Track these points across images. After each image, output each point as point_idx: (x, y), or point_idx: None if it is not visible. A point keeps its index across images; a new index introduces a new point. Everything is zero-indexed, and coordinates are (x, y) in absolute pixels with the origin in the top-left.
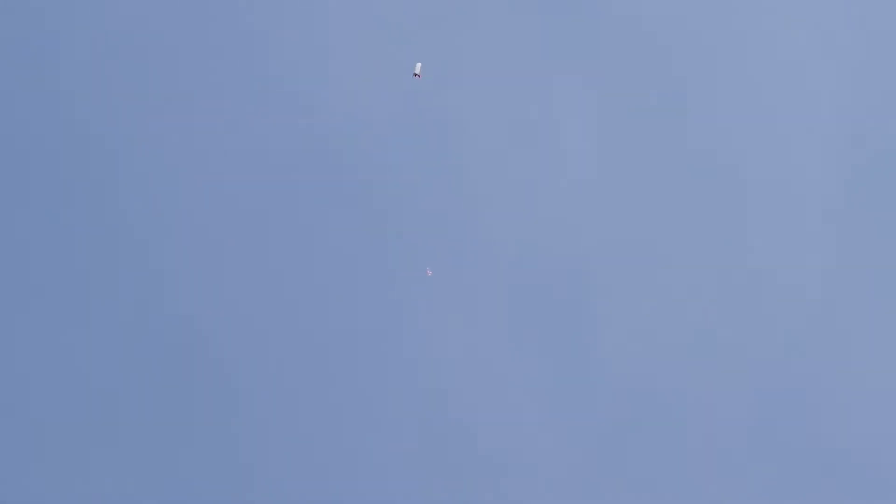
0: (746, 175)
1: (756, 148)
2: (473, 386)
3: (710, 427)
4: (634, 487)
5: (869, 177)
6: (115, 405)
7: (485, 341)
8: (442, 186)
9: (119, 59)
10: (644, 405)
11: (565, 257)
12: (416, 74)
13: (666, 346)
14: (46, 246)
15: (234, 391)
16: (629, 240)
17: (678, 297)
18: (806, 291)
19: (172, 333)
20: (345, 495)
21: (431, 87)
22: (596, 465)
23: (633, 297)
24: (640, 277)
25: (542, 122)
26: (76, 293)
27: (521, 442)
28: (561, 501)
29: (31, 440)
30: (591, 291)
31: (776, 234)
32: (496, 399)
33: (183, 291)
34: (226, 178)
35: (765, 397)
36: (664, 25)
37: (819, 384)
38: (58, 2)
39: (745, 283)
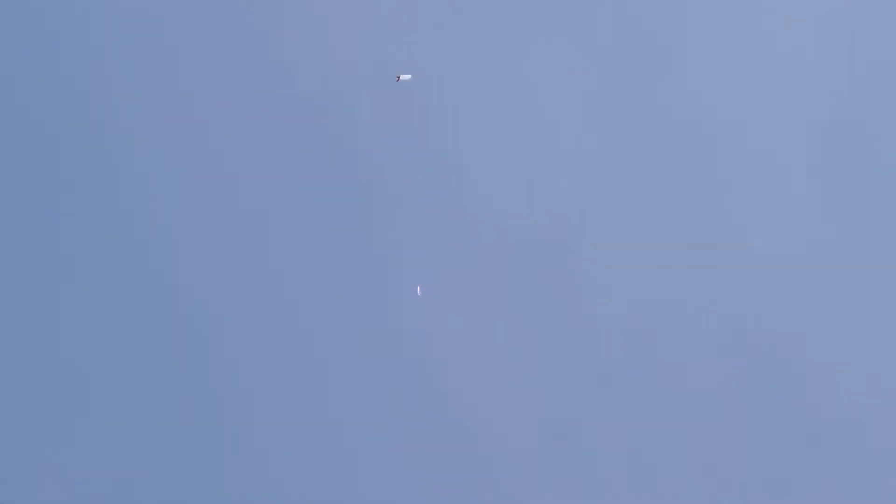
0: (728, 140)
1: (740, 113)
2: (460, 354)
3: (692, 389)
4: (619, 452)
5: (851, 142)
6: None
7: (471, 308)
8: (424, 157)
9: (112, 47)
10: (630, 368)
11: (549, 224)
12: (398, 77)
13: (652, 311)
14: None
15: (225, 369)
16: (613, 205)
17: (664, 264)
18: (788, 251)
19: (160, 312)
20: (332, 461)
21: (415, 58)
22: (581, 429)
23: (617, 262)
24: (625, 242)
25: (525, 88)
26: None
27: (508, 408)
28: (548, 467)
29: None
30: (576, 256)
31: (760, 195)
32: (483, 367)
33: (174, 272)
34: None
35: (754, 366)
36: None
37: (799, 343)
38: None
39: (730, 248)
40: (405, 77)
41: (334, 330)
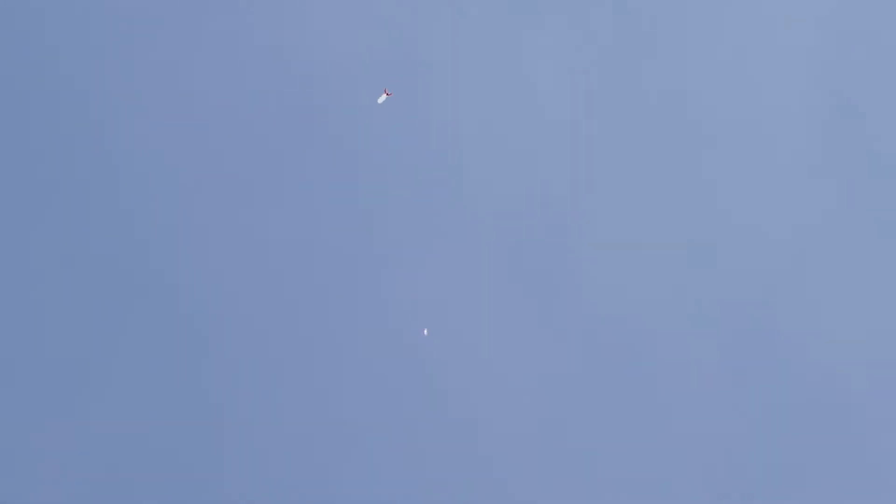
0: (720, 116)
1: (730, 90)
2: (453, 324)
3: (685, 363)
4: (611, 425)
5: (842, 118)
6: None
7: (465, 278)
8: (420, 127)
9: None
10: (621, 343)
11: (542, 195)
12: (386, 94)
13: (643, 284)
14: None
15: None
16: (606, 179)
17: (655, 238)
18: (779, 228)
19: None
20: (332, 433)
21: (409, 30)
22: (575, 401)
23: (610, 235)
24: (618, 216)
25: (516, 61)
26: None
27: (502, 380)
28: (542, 439)
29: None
30: (568, 228)
31: (750, 170)
32: (476, 336)
33: (167, 251)
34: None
35: (742, 339)
36: None
37: (790, 319)
38: None
39: (720, 224)
40: (381, 98)
41: (329, 317)
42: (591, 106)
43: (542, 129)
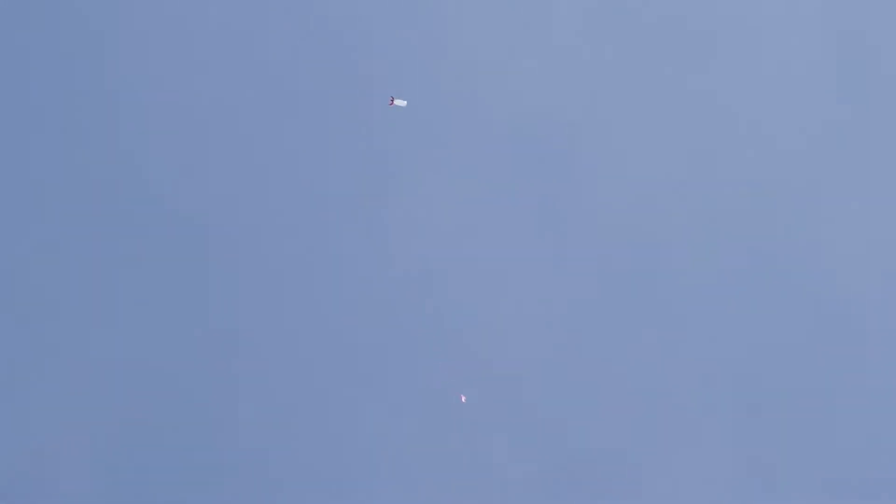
0: (733, 30)
1: (742, 4)
2: (467, 243)
3: (699, 274)
4: (623, 339)
5: (855, 25)
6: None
7: (480, 197)
8: (431, 50)
9: None
10: (635, 256)
11: (554, 117)
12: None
13: (655, 197)
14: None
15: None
16: (616, 96)
17: (667, 152)
18: (791, 142)
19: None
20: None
21: None
22: (588, 317)
23: (621, 150)
24: (629, 131)
25: None
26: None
27: (515, 296)
28: (554, 353)
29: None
30: (581, 146)
31: (763, 84)
32: (490, 256)
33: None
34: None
35: (754, 246)
36: None
37: (804, 231)
38: None
39: (731, 134)
40: (400, 103)
41: (330, 183)
42: (601, 21)
43: (551, 51)
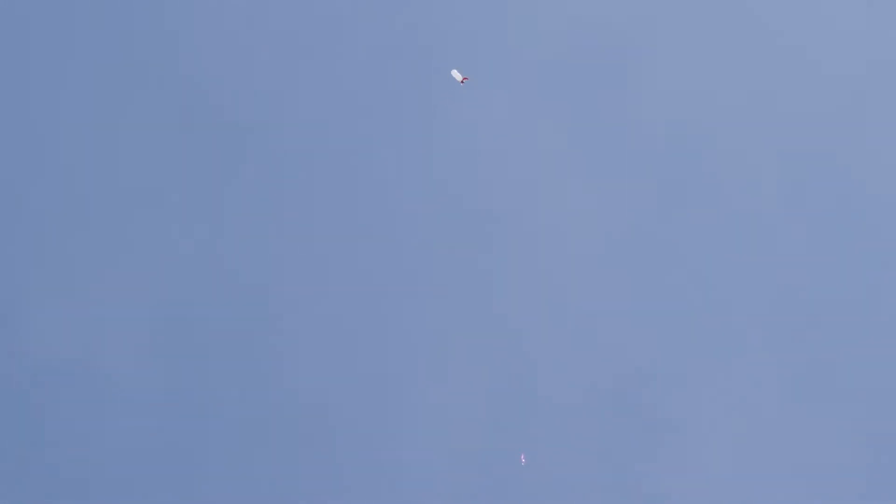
0: None
1: None
2: (515, 153)
3: (742, 181)
4: (670, 247)
5: None
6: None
7: (527, 108)
8: None
9: None
10: (681, 164)
11: (604, 28)
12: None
13: (702, 105)
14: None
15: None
16: (668, 11)
17: (715, 62)
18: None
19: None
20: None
21: None
22: (636, 227)
23: (670, 61)
24: (679, 43)
25: None
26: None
27: (561, 207)
28: (600, 267)
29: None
30: (630, 57)
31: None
32: (538, 165)
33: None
34: None
35: (793, 157)
36: None
37: (843, 144)
38: None
39: (775, 51)
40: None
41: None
42: None
43: None
